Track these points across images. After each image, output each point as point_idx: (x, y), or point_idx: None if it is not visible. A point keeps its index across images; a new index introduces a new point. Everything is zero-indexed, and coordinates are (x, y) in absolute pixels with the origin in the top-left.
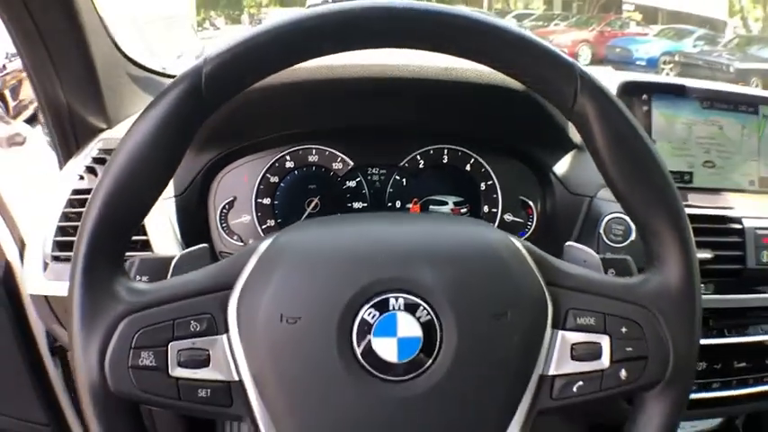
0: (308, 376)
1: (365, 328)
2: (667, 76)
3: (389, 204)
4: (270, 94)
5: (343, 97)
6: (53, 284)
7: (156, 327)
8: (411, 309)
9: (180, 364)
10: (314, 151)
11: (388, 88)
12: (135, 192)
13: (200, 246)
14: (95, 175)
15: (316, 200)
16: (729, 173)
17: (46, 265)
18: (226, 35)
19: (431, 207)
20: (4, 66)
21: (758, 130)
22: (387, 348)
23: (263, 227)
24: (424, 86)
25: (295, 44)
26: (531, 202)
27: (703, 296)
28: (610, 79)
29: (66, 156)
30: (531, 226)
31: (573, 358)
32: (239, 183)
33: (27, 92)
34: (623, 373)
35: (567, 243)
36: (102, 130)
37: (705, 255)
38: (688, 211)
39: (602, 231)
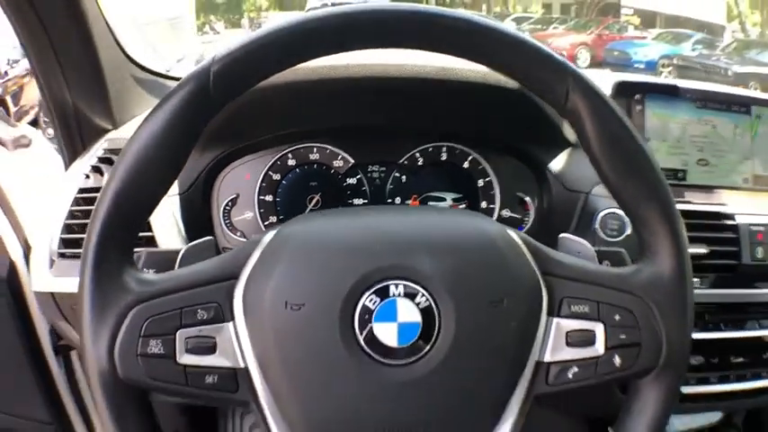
0: (312, 360)
1: (366, 313)
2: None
3: (389, 201)
4: (271, 93)
5: (344, 96)
6: (59, 281)
7: (164, 315)
8: (410, 295)
9: (187, 352)
10: (315, 149)
11: (387, 87)
12: (144, 187)
13: (206, 238)
14: (101, 174)
15: (317, 197)
16: (723, 171)
17: (52, 263)
18: (226, 39)
19: (430, 203)
20: (5, 72)
21: (751, 130)
22: (387, 333)
23: (266, 223)
24: (423, 86)
25: (298, 44)
26: (528, 199)
27: (699, 291)
28: (604, 80)
29: (71, 156)
30: (528, 222)
31: (568, 345)
32: (242, 180)
33: (28, 97)
34: (617, 360)
35: (562, 235)
36: (107, 131)
37: (700, 250)
38: (682, 207)
39: (597, 226)
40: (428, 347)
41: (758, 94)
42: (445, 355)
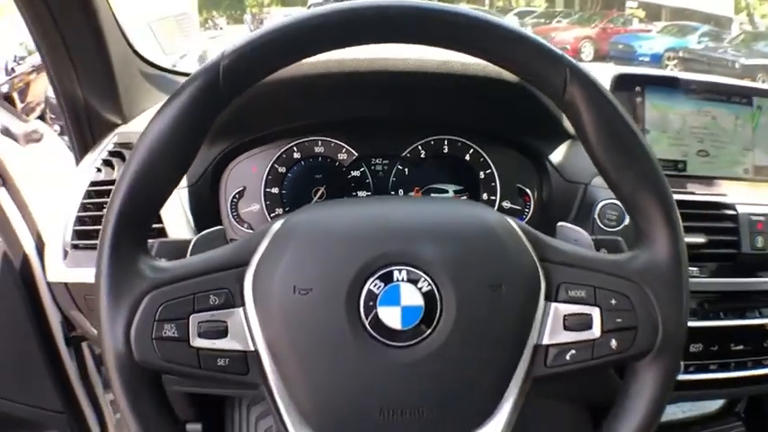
0: (319, 343)
1: (371, 297)
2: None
3: (392, 193)
4: (277, 88)
5: (348, 90)
6: (73, 271)
7: (177, 301)
8: (413, 280)
9: (200, 335)
10: (320, 143)
11: (391, 81)
12: (157, 178)
13: (217, 227)
14: (112, 167)
15: (322, 189)
16: (723, 162)
17: (66, 254)
18: (229, 35)
19: (432, 195)
20: (12, 69)
21: (752, 121)
22: (391, 316)
23: (272, 215)
24: (425, 79)
25: (304, 40)
26: (528, 190)
27: (699, 280)
28: (604, 73)
29: (82, 150)
30: (528, 213)
31: (565, 328)
32: (249, 173)
33: (34, 94)
34: (614, 343)
35: (560, 223)
36: (116, 125)
37: (699, 239)
38: (683, 197)
39: (596, 216)
40: (430, 330)
41: (759, 84)
42: (447, 337)
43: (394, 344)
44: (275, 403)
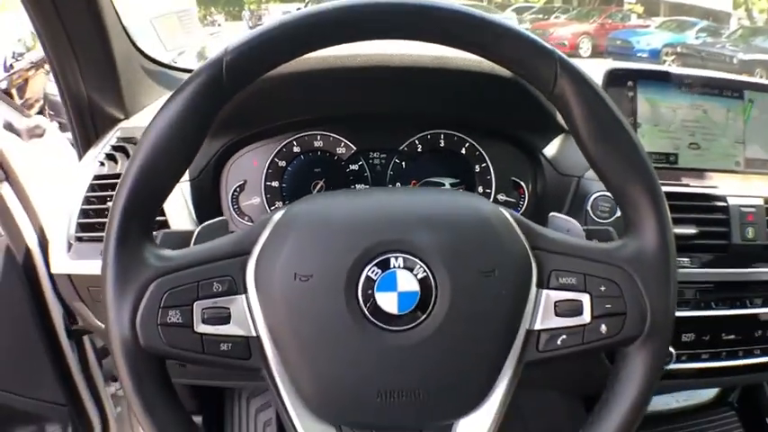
0: (319, 328)
1: (369, 283)
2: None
3: (390, 186)
4: (278, 83)
5: (346, 86)
6: (77, 263)
7: (182, 288)
8: (409, 267)
9: (204, 321)
10: (319, 137)
11: (388, 77)
12: (163, 170)
13: (220, 218)
14: (115, 161)
15: (321, 182)
16: (714, 154)
17: (70, 246)
18: (228, 32)
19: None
20: (10, 65)
21: (743, 114)
22: (388, 302)
23: (272, 208)
24: (422, 75)
25: (305, 36)
26: (522, 183)
27: (691, 270)
28: (597, 68)
29: (85, 145)
30: (523, 205)
31: (556, 314)
32: (249, 167)
33: (33, 90)
34: (603, 328)
35: (552, 214)
36: (119, 120)
37: (690, 230)
38: (673, 188)
39: (589, 208)
40: (426, 315)
41: (750, 78)
42: (441, 321)
43: (391, 328)
44: (276, 386)
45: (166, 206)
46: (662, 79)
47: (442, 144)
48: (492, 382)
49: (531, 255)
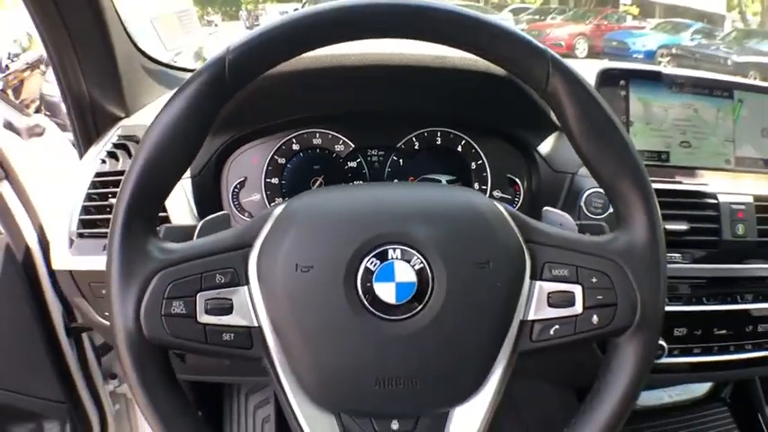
0: (319, 317)
1: (368, 274)
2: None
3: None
4: (278, 82)
5: (344, 84)
6: (78, 259)
7: (185, 279)
8: (407, 258)
9: (207, 312)
10: (318, 135)
11: (386, 76)
12: (166, 166)
13: (222, 212)
14: (116, 159)
15: (320, 179)
16: (705, 153)
17: (71, 243)
18: (225, 32)
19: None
20: (6, 66)
21: (733, 113)
22: (386, 292)
23: (272, 204)
24: (419, 73)
25: (304, 34)
26: (517, 180)
27: (682, 266)
28: (592, 68)
29: (86, 143)
30: (518, 201)
31: (549, 305)
32: (250, 164)
33: (29, 91)
34: (595, 319)
35: (545, 208)
36: (120, 119)
37: (681, 226)
38: (665, 186)
39: (582, 204)
40: (423, 305)
41: (740, 79)
42: (438, 311)
43: (389, 318)
44: (277, 375)
45: (168, 203)
46: (654, 79)
47: (439, 142)
48: (487, 371)
49: (524, 247)
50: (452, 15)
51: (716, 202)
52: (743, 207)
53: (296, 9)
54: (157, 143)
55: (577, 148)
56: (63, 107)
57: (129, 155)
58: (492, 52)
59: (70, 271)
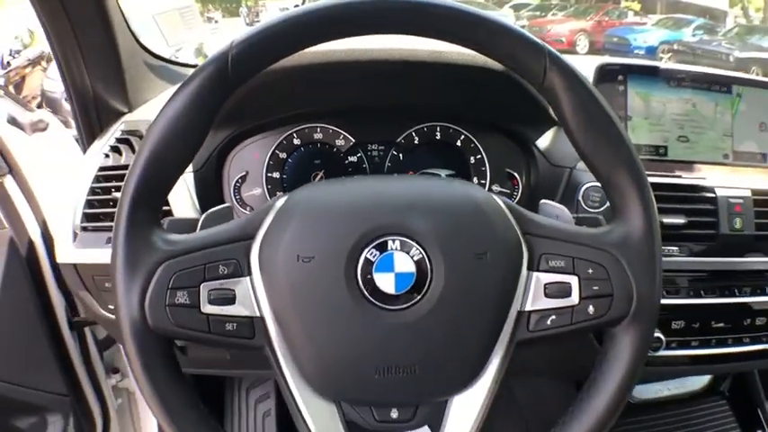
0: (320, 307)
1: (368, 265)
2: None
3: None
4: (279, 77)
5: (345, 80)
6: (82, 252)
7: (189, 270)
8: (406, 249)
9: (210, 302)
10: (318, 129)
11: (386, 71)
12: (170, 159)
13: (225, 205)
14: (120, 153)
15: (320, 173)
16: (703, 147)
17: (75, 236)
18: (226, 28)
19: None
20: (7, 62)
21: (731, 108)
22: (386, 282)
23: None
24: (418, 69)
25: (306, 30)
26: (516, 174)
27: (680, 259)
28: (592, 64)
29: (89, 138)
30: (516, 195)
31: (546, 296)
32: (251, 159)
33: (30, 87)
34: (591, 309)
35: (542, 201)
36: (123, 114)
37: (679, 220)
38: (663, 179)
39: (580, 198)
40: (422, 295)
41: (738, 73)
42: (436, 301)
43: (388, 307)
44: (279, 364)
45: (171, 197)
46: (652, 74)
47: (438, 136)
48: (484, 360)
49: (522, 239)
50: (452, 12)
51: (713, 195)
52: (740, 201)
53: (296, 6)
54: (162, 137)
55: (574, 141)
56: (64, 104)
57: (133, 150)
58: (490, 48)
59: (74, 264)
